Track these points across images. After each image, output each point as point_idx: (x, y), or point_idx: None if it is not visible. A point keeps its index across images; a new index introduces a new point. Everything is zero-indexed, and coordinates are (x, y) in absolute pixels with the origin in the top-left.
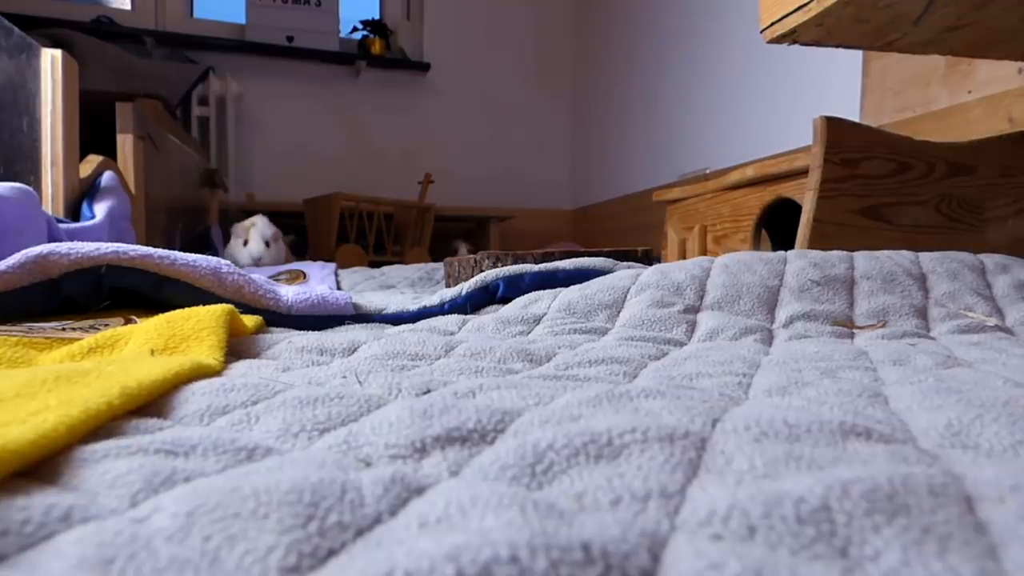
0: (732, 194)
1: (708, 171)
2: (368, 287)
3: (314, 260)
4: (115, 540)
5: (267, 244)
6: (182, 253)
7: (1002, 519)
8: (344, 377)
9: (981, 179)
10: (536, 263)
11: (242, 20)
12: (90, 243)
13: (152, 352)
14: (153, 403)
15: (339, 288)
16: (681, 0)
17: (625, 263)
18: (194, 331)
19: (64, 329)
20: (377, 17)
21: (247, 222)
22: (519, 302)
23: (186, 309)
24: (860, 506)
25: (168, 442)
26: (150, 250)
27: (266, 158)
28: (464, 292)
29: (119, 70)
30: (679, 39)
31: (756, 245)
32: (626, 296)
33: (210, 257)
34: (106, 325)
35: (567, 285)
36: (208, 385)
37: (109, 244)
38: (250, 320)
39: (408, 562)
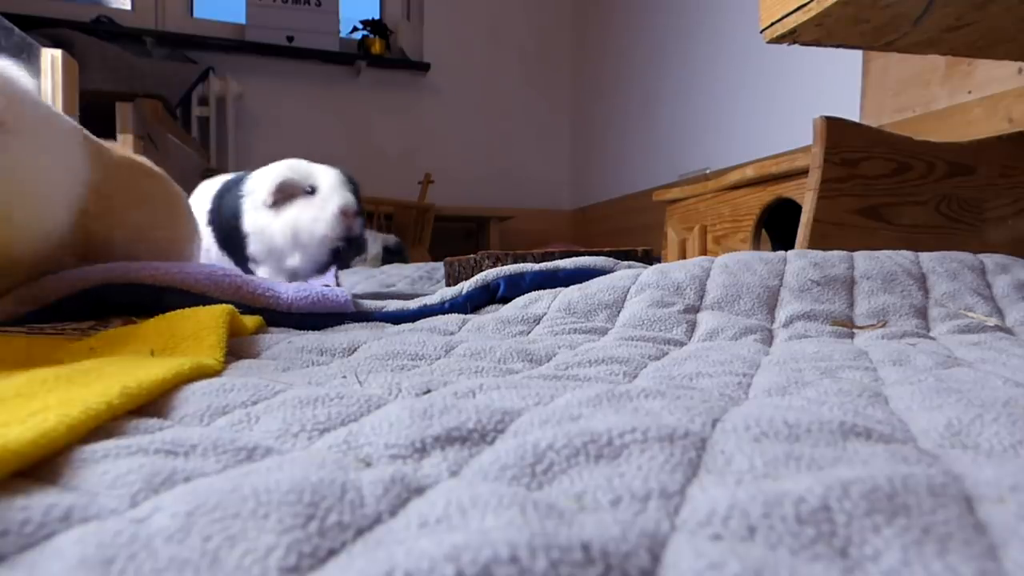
0: (732, 194)
1: (708, 171)
2: (368, 286)
3: None
4: (115, 540)
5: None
6: (175, 263)
7: (1002, 519)
8: (344, 377)
9: (981, 179)
10: (536, 263)
11: (242, 20)
12: (81, 269)
13: (152, 352)
14: (153, 403)
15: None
16: (681, 0)
17: (625, 263)
18: (194, 331)
19: (64, 331)
20: (377, 17)
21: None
22: (519, 302)
23: (186, 309)
24: (860, 506)
25: (168, 442)
26: (142, 263)
27: (266, 158)
28: (465, 291)
29: (119, 70)
30: (679, 39)
31: (756, 245)
32: (626, 296)
33: (204, 264)
34: (106, 326)
35: (568, 284)
36: (208, 385)
37: (99, 265)
38: (250, 320)
39: (408, 562)
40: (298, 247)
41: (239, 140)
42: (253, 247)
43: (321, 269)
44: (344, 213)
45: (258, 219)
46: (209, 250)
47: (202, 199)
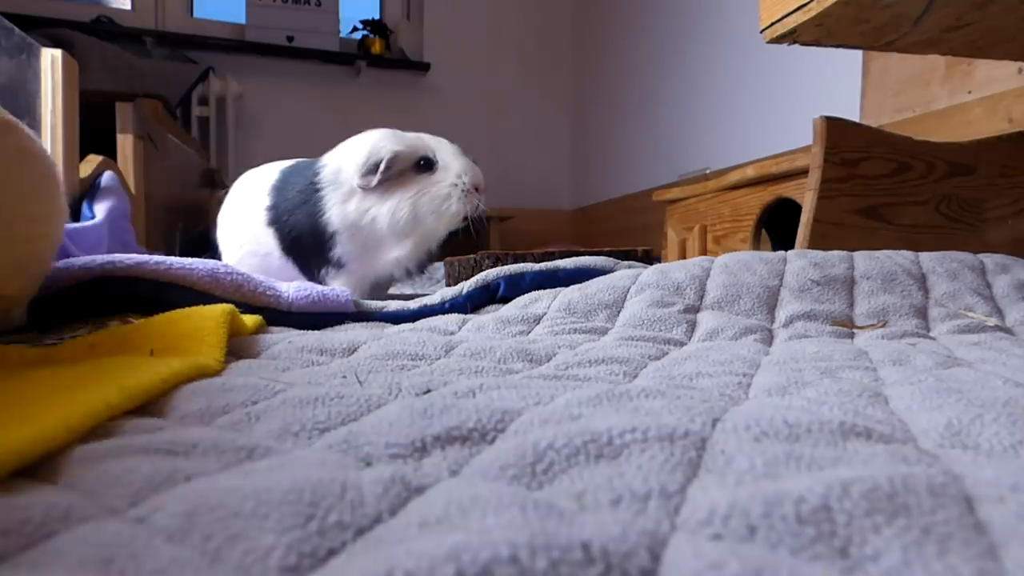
0: (732, 194)
1: (708, 171)
2: None
3: None
4: (115, 540)
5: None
6: (178, 258)
7: (1002, 519)
8: (344, 377)
9: (981, 179)
10: (536, 263)
11: (242, 20)
12: (84, 258)
13: (152, 352)
14: (153, 403)
15: None
16: (681, 0)
17: (625, 263)
18: (194, 331)
19: (63, 340)
20: (377, 17)
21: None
22: (519, 301)
23: (186, 309)
24: (860, 506)
25: (168, 442)
26: (145, 257)
27: (266, 158)
28: (465, 291)
29: (119, 70)
30: (679, 39)
31: (756, 245)
32: (626, 296)
33: (206, 260)
34: (104, 327)
35: (568, 284)
36: (208, 385)
37: (103, 256)
38: (250, 320)
39: (408, 562)
40: (415, 232)
41: (239, 140)
42: (344, 247)
43: (423, 263)
44: (477, 188)
45: (352, 210)
46: (269, 255)
47: (254, 194)
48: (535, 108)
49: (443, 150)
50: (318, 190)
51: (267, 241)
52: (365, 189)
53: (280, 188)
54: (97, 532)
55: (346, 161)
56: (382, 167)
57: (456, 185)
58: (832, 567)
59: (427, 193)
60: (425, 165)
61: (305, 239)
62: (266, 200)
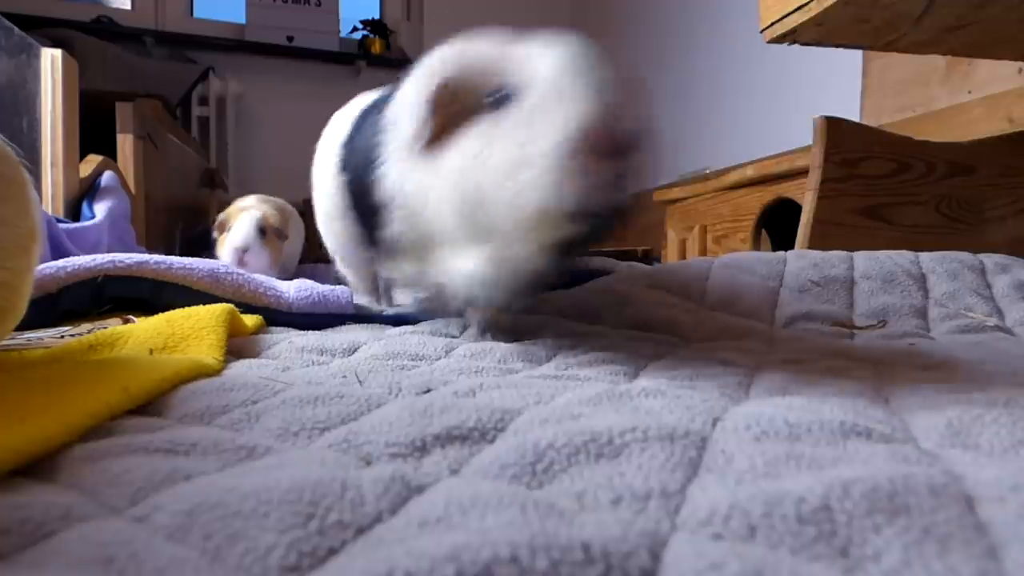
0: (732, 194)
1: (708, 171)
2: None
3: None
4: (115, 539)
5: (262, 232)
6: (178, 258)
7: (1002, 519)
8: (344, 377)
9: (981, 179)
10: None
11: (242, 20)
12: (85, 256)
13: (151, 351)
14: (153, 403)
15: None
16: (681, 0)
17: (625, 263)
18: (194, 330)
19: (63, 337)
20: (377, 17)
21: (238, 204)
22: None
23: (186, 308)
24: (861, 506)
25: (168, 441)
26: (146, 257)
27: (266, 158)
28: None
29: (119, 70)
30: (679, 39)
31: (756, 245)
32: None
33: (207, 260)
34: (104, 327)
35: (568, 285)
36: (208, 385)
37: (104, 255)
38: (250, 319)
39: (408, 562)
40: (480, 233)
41: (239, 140)
42: (399, 225)
43: (513, 292)
44: (589, 136)
45: (406, 171)
46: (331, 221)
47: (335, 132)
48: None
49: (543, 65)
50: (381, 135)
51: (339, 200)
52: (419, 143)
53: (360, 121)
54: (97, 531)
55: (405, 95)
56: (423, 108)
57: (542, 136)
58: (832, 567)
59: (494, 156)
60: (503, 99)
61: (364, 206)
62: (342, 138)
